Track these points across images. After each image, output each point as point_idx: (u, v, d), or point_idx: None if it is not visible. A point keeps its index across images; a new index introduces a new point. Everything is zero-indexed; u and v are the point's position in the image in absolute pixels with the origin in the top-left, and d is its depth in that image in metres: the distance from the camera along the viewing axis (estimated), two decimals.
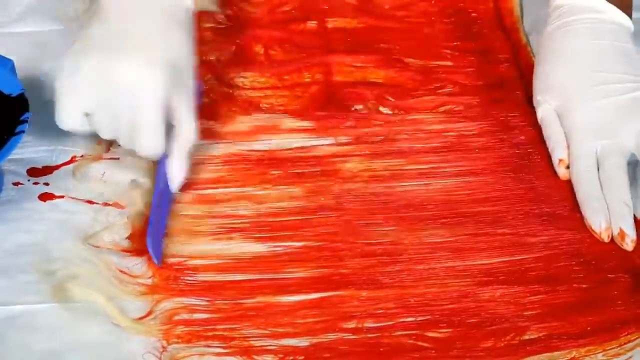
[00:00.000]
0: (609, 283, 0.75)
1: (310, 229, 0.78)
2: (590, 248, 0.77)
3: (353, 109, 0.87)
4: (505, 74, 0.92)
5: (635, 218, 0.78)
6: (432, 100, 0.87)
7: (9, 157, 0.75)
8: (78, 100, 0.75)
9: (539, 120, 0.85)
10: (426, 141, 0.84)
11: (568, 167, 0.81)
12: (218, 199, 0.80)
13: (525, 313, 0.73)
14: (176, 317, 0.73)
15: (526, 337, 0.72)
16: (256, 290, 0.75)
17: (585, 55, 0.84)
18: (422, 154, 0.83)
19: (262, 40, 0.91)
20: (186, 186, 0.80)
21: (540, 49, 0.87)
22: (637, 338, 0.72)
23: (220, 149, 0.84)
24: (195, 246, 0.77)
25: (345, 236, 0.78)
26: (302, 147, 0.84)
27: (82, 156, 0.82)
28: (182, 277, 0.75)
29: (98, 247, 0.77)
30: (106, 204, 0.79)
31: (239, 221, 0.79)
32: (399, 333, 0.73)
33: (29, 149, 0.81)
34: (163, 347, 0.71)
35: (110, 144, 0.82)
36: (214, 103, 0.87)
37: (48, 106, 0.83)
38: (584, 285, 0.75)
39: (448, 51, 0.92)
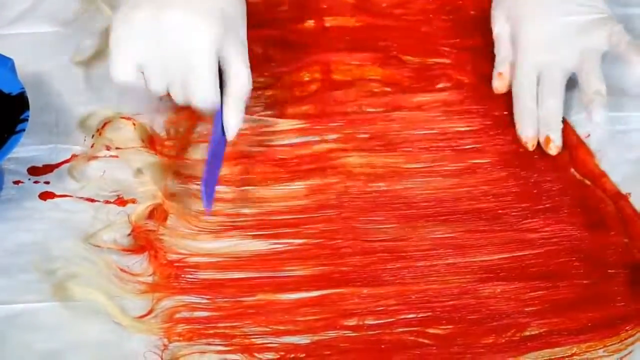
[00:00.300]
0: (609, 279, 0.75)
1: (311, 226, 0.78)
2: (591, 244, 0.77)
3: (352, 107, 0.87)
4: None
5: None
6: (431, 97, 0.87)
7: (9, 155, 0.75)
8: (130, 53, 0.76)
9: (494, 37, 0.88)
10: (426, 138, 0.84)
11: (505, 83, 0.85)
12: (219, 197, 0.80)
13: (526, 309, 0.74)
14: (177, 315, 0.73)
15: (527, 333, 0.73)
16: (257, 288, 0.75)
17: None
18: (421, 151, 0.83)
19: (260, 39, 0.91)
20: (187, 182, 0.80)
21: None
22: (637, 332, 0.72)
23: None
24: (196, 244, 0.77)
25: (345, 234, 0.78)
26: (302, 146, 0.84)
27: (76, 155, 0.82)
28: (182, 275, 0.75)
29: (98, 246, 0.77)
30: (107, 202, 0.79)
31: (240, 219, 0.79)
32: (400, 330, 0.73)
33: (29, 147, 0.81)
34: (164, 345, 0.72)
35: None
36: None
37: (48, 105, 0.84)
38: (584, 281, 0.75)
39: (446, 49, 0.92)
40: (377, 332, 0.73)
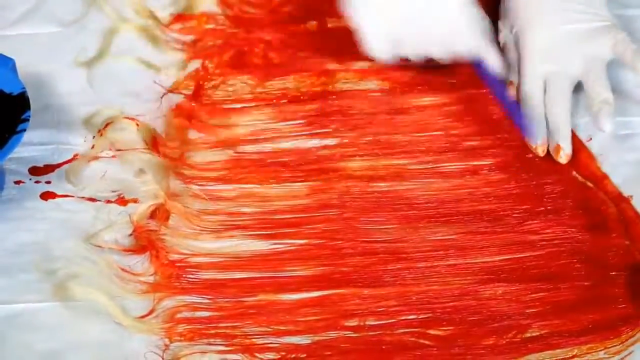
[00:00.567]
0: (610, 280, 0.75)
1: (312, 227, 0.78)
2: (592, 246, 0.77)
3: (355, 108, 0.87)
4: None
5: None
6: (434, 99, 0.87)
7: (11, 155, 0.75)
8: (384, 27, 0.80)
9: (501, 47, 0.88)
10: (428, 139, 0.84)
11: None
12: (220, 197, 0.80)
13: (527, 311, 0.74)
14: (178, 315, 0.73)
15: (528, 334, 0.73)
16: (258, 288, 0.75)
17: None
18: (423, 153, 0.83)
19: (262, 41, 0.91)
20: (188, 182, 0.81)
21: None
22: (638, 334, 0.72)
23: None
24: (198, 244, 0.77)
25: (346, 234, 0.78)
26: (304, 147, 0.84)
27: (78, 155, 0.82)
28: (183, 275, 0.75)
29: (99, 246, 0.77)
30: (109, 201, 0.79)
31: (241, 219, 0.79)
32: (401, 331, 0.73)
33: (30, 147, 0.81)
34: (165, 345, 0.72)
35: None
36: (215, 104, 0.87)
37: (49, 105, 0.84)
38: (585, 283, 0.75)
39: None
40: (377, 332, 0.73)
